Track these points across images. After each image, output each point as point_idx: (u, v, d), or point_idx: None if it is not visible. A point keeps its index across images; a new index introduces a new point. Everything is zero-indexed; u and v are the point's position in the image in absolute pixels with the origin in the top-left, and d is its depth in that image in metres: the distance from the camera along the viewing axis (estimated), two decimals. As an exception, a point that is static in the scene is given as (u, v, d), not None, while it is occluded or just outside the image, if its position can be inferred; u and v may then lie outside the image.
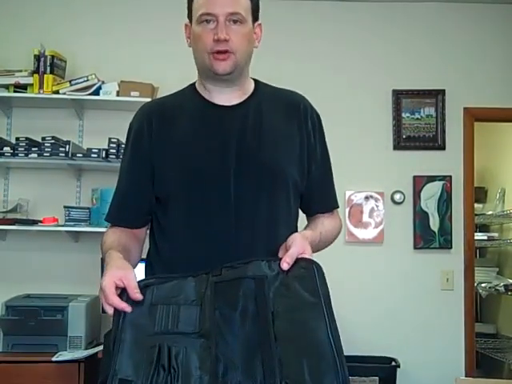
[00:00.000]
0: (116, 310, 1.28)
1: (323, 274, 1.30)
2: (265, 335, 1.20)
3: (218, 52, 1.48)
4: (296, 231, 1.54)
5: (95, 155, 3.42)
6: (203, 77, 1.57)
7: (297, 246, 1.36)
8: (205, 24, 1.48)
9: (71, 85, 3.45)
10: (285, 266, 1.32)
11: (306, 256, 1.35)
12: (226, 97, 1.55)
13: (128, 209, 1.59)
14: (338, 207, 1.70)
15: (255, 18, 1.55)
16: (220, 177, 1.48)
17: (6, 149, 3.43)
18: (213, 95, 1.56)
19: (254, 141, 1.51)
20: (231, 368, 1.18)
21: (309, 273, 1.29)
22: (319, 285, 1.27)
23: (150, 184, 1.54)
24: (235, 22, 1.48)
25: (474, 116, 3.85)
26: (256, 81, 1.64)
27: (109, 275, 1.31)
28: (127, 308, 1.26)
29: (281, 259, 1.33)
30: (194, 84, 1.62)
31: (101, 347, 3.11)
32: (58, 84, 3.46)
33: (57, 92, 3.45)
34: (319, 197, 1.64)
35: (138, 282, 1.34)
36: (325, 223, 1.62)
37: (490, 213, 4.76)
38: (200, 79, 1.59)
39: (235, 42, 1.48)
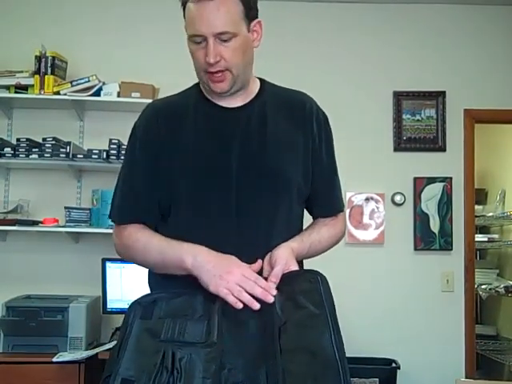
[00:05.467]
0: (123, 322, 1.30)
1: (328, 285, 1.32)
2: (271, 348, 1.21)
3: (212, 72, 1.44)
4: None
5: (96, 156, 3.42)
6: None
7: (281, 263, 1.38)
8: (196, 43, 1.43)
9: (72, 86, 3.45)
10: (271, 285, 1.34)
11: (293, 269, 1.38)
12: (230, 101, 1.52)
13: (147, 207, 1.50)
14: (342, 211, 1.66)
15: (252, 17, 1.46)
16: (222, 179, 1.46)
17: (7, 149, 3.43)
18: (216, 98, 1.53)
19: (257, 143, 1.48)
20: (235, 375, 1.19)
21: (314, 286, 1.31)
22: (324, 297, 1.29)
23: (164, 182, 1.49)
24: (225, 40, 1.41)
25: (475, 117, 3.85)
26: (262, 80, 1.60)
27: (239, 266, 1.36)
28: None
29: (266, 278, 1.35)
30: (198, 84, 1.58)
31: (101, 348, 3.11)
32: (59, 85, 3.46)
33: (57, 93, 3.45)
34: (321, 201, 1.60)
35: (147, 297, 1.36)
36: (321, 231, 1.57)
37: (490, 214, 4.76)
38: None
39: (228, 59, 1.42)
